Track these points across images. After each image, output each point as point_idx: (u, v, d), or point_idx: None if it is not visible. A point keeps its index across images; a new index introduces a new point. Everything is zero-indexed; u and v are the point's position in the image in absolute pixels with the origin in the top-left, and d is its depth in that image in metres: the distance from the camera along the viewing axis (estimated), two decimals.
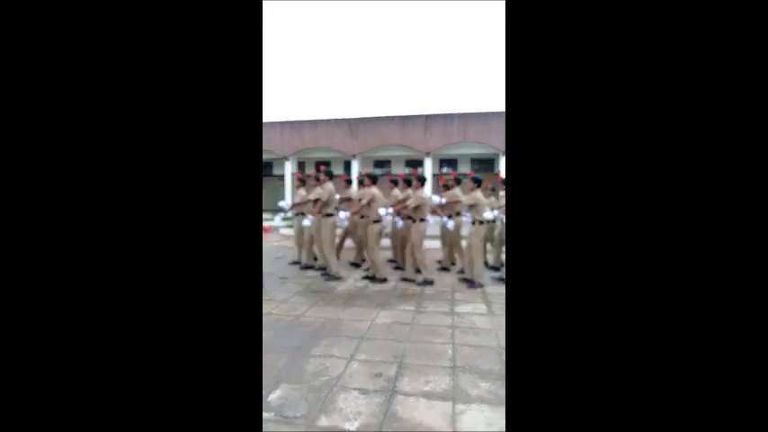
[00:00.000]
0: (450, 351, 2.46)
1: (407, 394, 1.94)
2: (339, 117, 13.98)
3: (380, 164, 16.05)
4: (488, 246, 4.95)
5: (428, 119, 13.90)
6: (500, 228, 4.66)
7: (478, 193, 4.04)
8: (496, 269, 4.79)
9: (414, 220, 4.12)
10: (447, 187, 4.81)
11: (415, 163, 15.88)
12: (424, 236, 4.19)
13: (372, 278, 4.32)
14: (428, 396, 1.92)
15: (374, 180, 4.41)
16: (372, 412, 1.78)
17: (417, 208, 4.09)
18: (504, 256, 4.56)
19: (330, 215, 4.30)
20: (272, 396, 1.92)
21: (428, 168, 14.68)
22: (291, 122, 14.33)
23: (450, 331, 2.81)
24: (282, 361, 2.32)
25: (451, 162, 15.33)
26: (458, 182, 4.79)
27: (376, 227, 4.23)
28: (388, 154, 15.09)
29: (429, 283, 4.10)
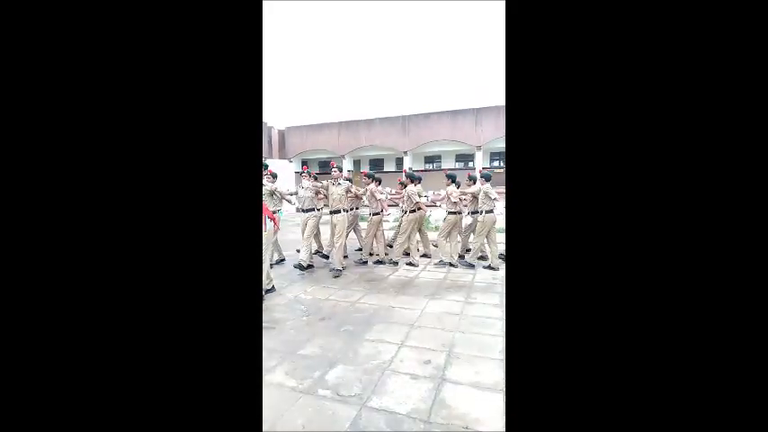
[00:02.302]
0: (500, 343, 2.35)
1: (456, 383, 1.89)
2: (393, 115, 13.97)
3: (431, 159, 15.79)
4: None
5: (478, 112, 13.33)
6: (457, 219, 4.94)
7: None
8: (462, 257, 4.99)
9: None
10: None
11: (466, 157, 15.36)
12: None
13: (365, 263, 4.81)
14: (477, 386, 1.85)
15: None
16: (422, 397, 1.76)
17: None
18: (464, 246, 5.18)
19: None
20: (330, 375, 1.98)
21: (479, 162, 14.11)
22: (348, 122, 14.65)
23: (501, 323, 2.68)
24: (339, 344, 2.40)
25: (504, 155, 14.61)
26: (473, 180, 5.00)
27: (375, 218, 4.78)
28: (439, 149, 14.80)
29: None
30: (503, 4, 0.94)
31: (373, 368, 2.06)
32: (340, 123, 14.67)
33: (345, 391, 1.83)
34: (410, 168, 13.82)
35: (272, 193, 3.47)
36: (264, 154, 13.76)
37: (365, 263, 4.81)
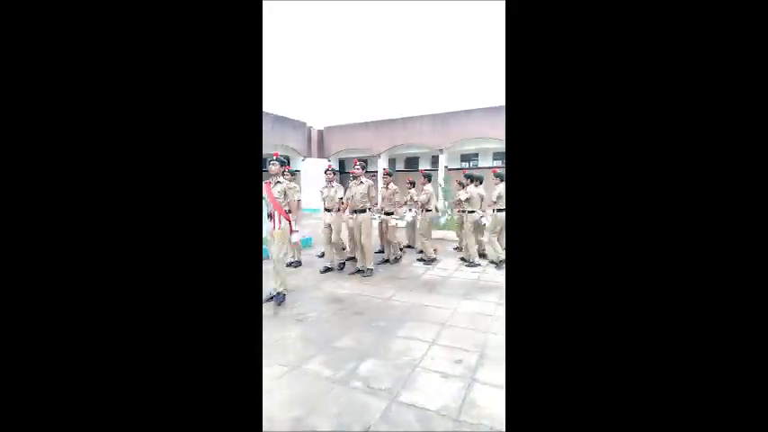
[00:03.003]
0: None
1: (487, 384, 1.87)
2: (430, 113, 13.85)
3: (467, 157, 15.46)
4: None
5: None
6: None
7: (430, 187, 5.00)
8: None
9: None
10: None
11: (504, 155, 14.84)
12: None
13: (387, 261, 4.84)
14: None
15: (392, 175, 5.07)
16: (452, 396, 1.77)
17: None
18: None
19: (429, 210, 4.93)
20: (362, 368, 2.05)
21: None
22: (384, 121, 14.73)
23: None
24: (371, 338, 2.46)
25: None
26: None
27: (429, 215, 5.01)
28: (476, 147, 14.45)
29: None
30: (503, 4, 0.94)
31: (404, 364, 2.09)
32: (376, 122, 14.80)
33: (376, 384, 1.88)
34: (446, 167, 13.63)
35: (286, 192, 3.29)
36: (304, 153, 14.23)
37: (387, 261, 4.81)
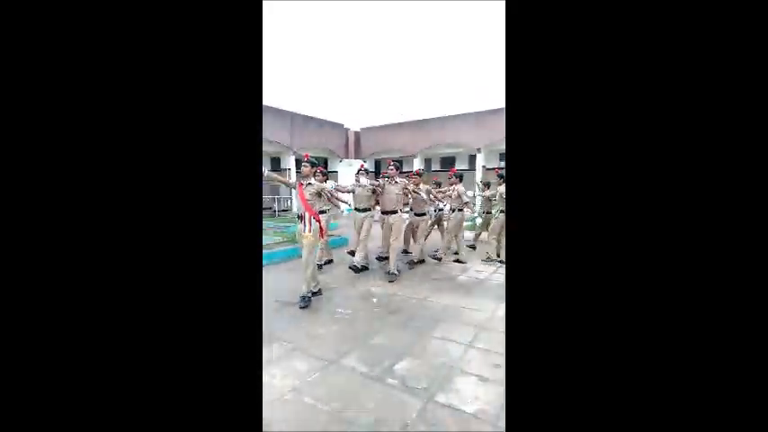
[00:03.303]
0: None
1: None
2: (467, 111, 13.57)
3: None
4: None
5: None
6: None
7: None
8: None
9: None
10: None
11: None
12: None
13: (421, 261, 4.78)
14: None
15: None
16: (489, 400, 1.73)
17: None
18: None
19: (461, 210, 4.80)
20: (398, 366, 2.06)
21: None
22: (419, 121, 14.65)
23: None
24: (407, 338, 2.46)
25: None
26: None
27: (459, 215, 4.90)
28: None
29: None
30: (503, 4, 0.92)
31: (440, 365, 2.07)
32: (412, 123, 14.76)
33: (413, 383, 1.88)
34: (484, 167, 13.26)
35: (319, 193, 3.21)
36: (341, 154, 14.54)
37: (421, 262, 4.74)
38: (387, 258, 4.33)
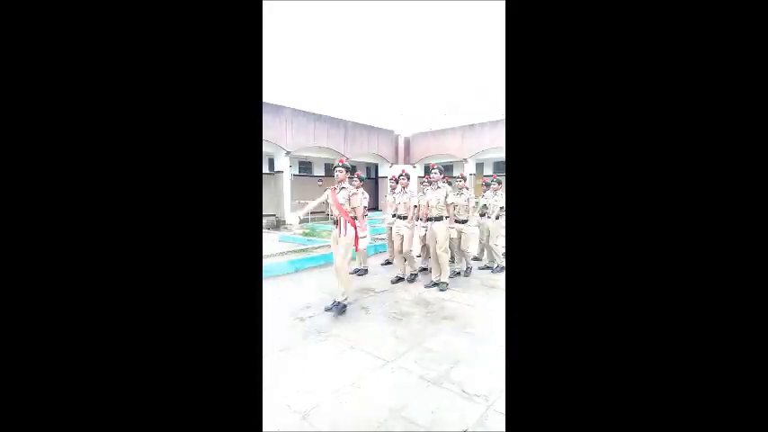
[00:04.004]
0: None
1: None
2: None
3: None
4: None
5: None
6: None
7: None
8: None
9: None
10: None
11: None
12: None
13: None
14: None
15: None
16: None
17: None
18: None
19: (498, 217, 4.65)
20: (455, 372, 2.05)
21: None
22: (471, 125, 14.36)
23: None
24: (463, 344, 2.43)
25: None
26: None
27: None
28: None
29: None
30: (503, 4, 0.91)
31: (499, 373, 2.02)
32: (463, 127, 14.52)
33: (471, 389, 1.86)
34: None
35: (349, 199, 3.07)
36: (391, 160, 14.75)
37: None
38: (425, 269, 4.23)
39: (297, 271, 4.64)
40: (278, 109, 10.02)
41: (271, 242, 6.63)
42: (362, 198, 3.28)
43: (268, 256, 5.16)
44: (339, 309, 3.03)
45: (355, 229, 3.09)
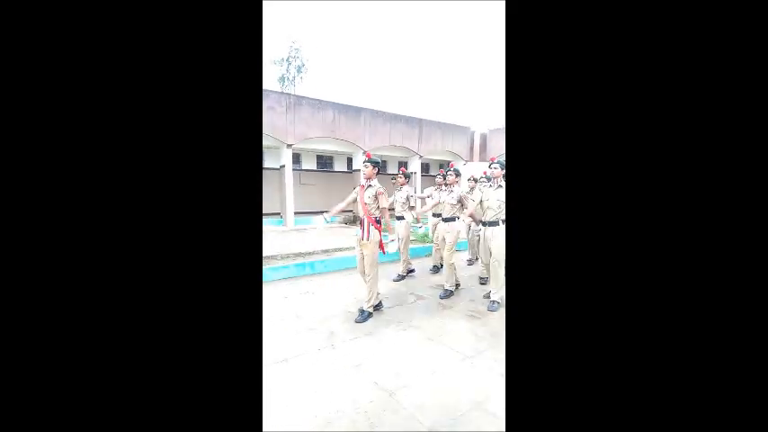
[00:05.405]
0: None
1: None
2: None
3: None
4: None
5: None
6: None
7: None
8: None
9: None
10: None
11: None
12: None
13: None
14: None
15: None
16: None
17: None
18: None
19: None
20: None
21: None
22: None
23: None
24: None
25: None
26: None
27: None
28: None
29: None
30: (503, 4, 0.91)
31: None
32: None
33: None
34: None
35: (375, 197, 2.78)
36: (465, 158, 14.37)
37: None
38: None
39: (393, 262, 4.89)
40: (358, 111, 10.56)
41: (347, 237, 7.07)
42: (387, 198, 2.90)
43: (345, 248, 5.54)
44: (363, 316, 2.80)
45: (379, 231, 2.80)
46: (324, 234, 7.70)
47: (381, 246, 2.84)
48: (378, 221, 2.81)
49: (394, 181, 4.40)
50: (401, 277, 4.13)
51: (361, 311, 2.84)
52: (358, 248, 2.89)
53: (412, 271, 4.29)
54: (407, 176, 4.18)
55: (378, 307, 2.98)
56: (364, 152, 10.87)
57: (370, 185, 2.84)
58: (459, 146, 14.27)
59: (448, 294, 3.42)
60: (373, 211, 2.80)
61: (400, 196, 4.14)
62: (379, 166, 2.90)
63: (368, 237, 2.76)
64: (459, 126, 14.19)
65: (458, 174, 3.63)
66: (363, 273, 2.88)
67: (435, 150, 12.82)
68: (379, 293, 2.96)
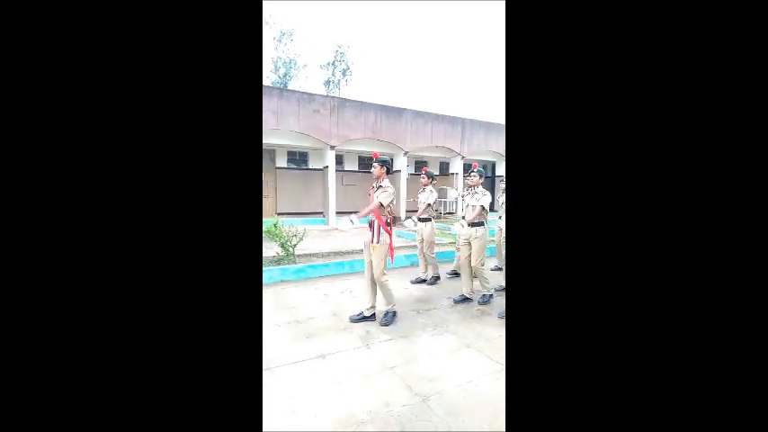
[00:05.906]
0: None
1: None
2: None
3: None
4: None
5: None
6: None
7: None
8: None
9: None
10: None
11: None
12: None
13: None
14: None
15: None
16: None
17: None
18: None
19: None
20: None
21: None
22: None
23: None
24: None
25: None
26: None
27: None
28: None
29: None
30: (502, 4, 0.89)
31: None
32: None
33: None
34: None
35: (390, 201, 2.65)
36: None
37: None
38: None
39: (412, 265, 4.87)
40: (399, 112, 10.59)
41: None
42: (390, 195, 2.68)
43: None
44: (388, 319, 2.74)
45: (390, 234, 2.67)
46: (362, 234, 7.79)
47: (391, 251, 2.71)
48: (388, 224, 2.68)
49: (435, 182, 4.17)
50: (425, 281, 3.96)
51: (385, 314, 2.77)
52: (366, 253, 2.74)
53: (437, 277, 4.00)
54: (430, 176, 3.95)
55: (370, 318, 2.79)
56: (405, 153, 10.83)
57: (380, 186, 2.71)
58: (500, 145, 13.73)
59: (486, 300, 3.32)
60: (383, 213, 2.68)
61: (424, 198, 3.94)
62: (389, 166, 2.78)
63: (377, 240, 2.61)
64: (502, 125, 13.66)
65: (481, 175, 3.34)
66: (371, 280, 2.73)
67: (479, 150, 12.46)
68: (374, 306, 2.81)
